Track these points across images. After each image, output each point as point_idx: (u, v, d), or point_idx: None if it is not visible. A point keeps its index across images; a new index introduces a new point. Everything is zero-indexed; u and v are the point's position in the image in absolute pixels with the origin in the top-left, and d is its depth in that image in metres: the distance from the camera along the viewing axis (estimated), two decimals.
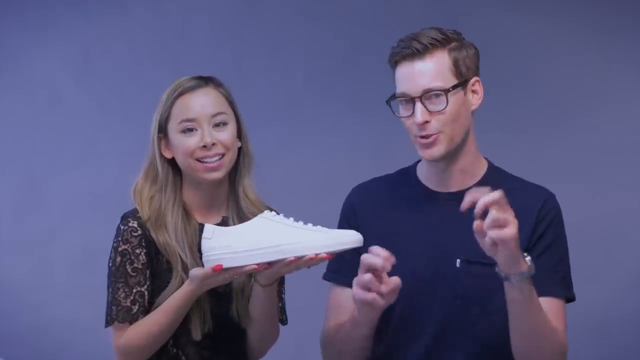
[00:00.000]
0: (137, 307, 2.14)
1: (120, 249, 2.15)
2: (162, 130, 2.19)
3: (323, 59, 4.06)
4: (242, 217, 2.19)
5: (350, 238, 2.01)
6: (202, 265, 2.12)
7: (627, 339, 3.82)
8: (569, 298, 2.15)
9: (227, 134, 2.17)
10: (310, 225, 2.03)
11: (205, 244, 2.03)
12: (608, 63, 3.90)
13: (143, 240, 2.15)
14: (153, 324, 2.12)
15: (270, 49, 4.08)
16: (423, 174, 2.20)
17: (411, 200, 2.18)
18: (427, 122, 2.07)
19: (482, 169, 2.18)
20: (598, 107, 3.91)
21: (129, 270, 2.14)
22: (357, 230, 2.12)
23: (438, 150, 2.10)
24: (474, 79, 2.12)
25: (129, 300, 2.13)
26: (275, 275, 2.08)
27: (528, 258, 1.96)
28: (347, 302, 2.19)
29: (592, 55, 3.91)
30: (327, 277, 2.24)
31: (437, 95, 2.07)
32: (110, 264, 2.16)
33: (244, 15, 4.10)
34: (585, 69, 3.90)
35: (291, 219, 2.04)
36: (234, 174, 2.23)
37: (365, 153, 3.96)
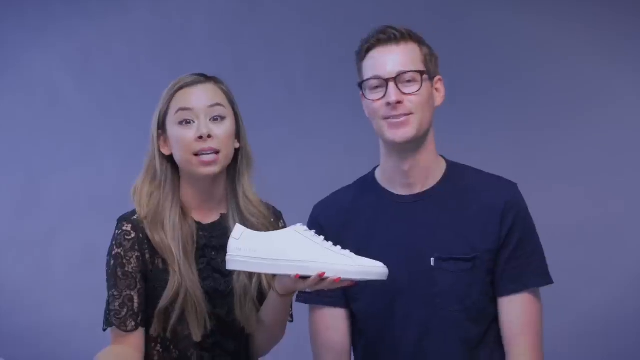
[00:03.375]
0: (125, 310, 2.14)
1: (113, 252, 2.16)
2: (161, 126, 2.18)
3: (323, 59, 4.06)
4: (242, 217, 2.19)
5: (377, 270, 2.00)
6: (195, 266, 2.15)
7: (627, 339, 3.82)
8: (548, 283, 2.19)
9: (223, 129, 2.15)
10: (338, 247, 2.03)
11: (232, 244, 2.04)
12: (608, 63, 3.90)
13: (136, 243, 2.15)
14: None
15: (270, 49, 4.08)
16: (384, 179, 2.22)
17: (377, 207, 2.21)
18: (399, 102, 2.11)
19: (442, 167, 2.21)
20: (598, 108, 3.91)
21: (119, 273, 2.14)
22: None
23: (408, 131, 2.13)
24: (437, 77, 2.19)
25: (117, 304, 2.14)
26: (294, 288, 2.08)
27: None
28: (336, 322, 2.23)
29: (592, 55, 3.91)
30: (304, 299, 2.24)
31: (412, 78, 2.12)
32: (106, 268, 2.17)
33: (244, 15, 4.10)
34: (586, 69, 3.90)
35: (321, 237, 2.04)
36: (232, 173, 2.22)
37: (365, 153, 3.93)
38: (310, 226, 2.22)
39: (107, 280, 2.17)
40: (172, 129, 2.16)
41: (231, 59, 4.04)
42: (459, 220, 2.15)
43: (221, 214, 2.22)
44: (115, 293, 2.14)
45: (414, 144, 2.15)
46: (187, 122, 2.15)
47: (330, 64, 4.05)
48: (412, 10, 3.97)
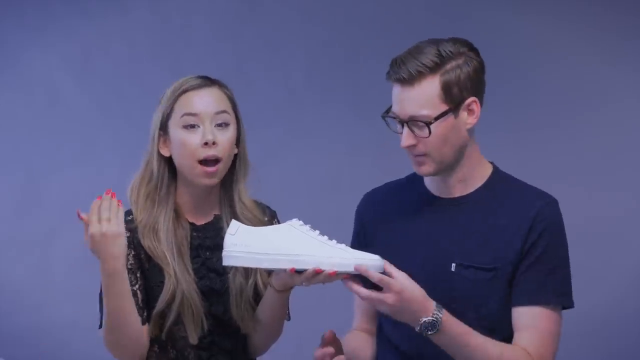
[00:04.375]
0: None
1: None
2: (163, 127, 2.18)
3: (323, 59, 4.06)
4: (236, 218, 2.19)
5: (372, 263, 1.99)
6: (190, 267, 2.16)
7: (627, 339, 3.82)
8: (566, 306, 2.13)
9: (227, 136, 2.16)
10: (334, 241, 2.02)
11: (227, 239, 2.04)
12: (609, 63, 3.90)
13: (132, 243, 2.16)
14: (104, 318, 2.12)
15: (270, 49, 4.08)
16: (428, 180, 2.21)
17: (416, 207, 2.20)
18: (413, 145, 2.09)
19: (485, 174, 2.18)
20: (599, 108, 3.92)
21: None
22: (365, 240, 2.16)
23: (427, 168, 2.12)
24: (470, 99, 2.10)
25: None
26: (290, 283, 2.08)
27: (433, 304, 2.01)
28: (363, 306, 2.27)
29: (593, 55, 3.91)
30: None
31: (423, 124, 2.07)
32: None
33: (244, 15, 4.10)
34: (587, 70, 3.90)
35: (317, 231, 2.04)
36: (229, 178, 2.22)
37: (365, 153, 3.96)
38: (355, 216, 2.28)
39: None
40: (176, 132, 2.16)
41: (231, 59, 4.04)
42: (488, 229, 2.12)
43: (214, 214, 2.24)
44: None
45: (444, 170, 2.14)
46: (192, 126, 2.15)
47: (330, 64, 4.05)
48: (412, 10, 3.98)
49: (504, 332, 2.12)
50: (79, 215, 2.06)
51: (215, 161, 2.14)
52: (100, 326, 2.17)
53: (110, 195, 2.05)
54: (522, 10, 3.94)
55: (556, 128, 3.91)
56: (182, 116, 2.15)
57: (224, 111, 2.17)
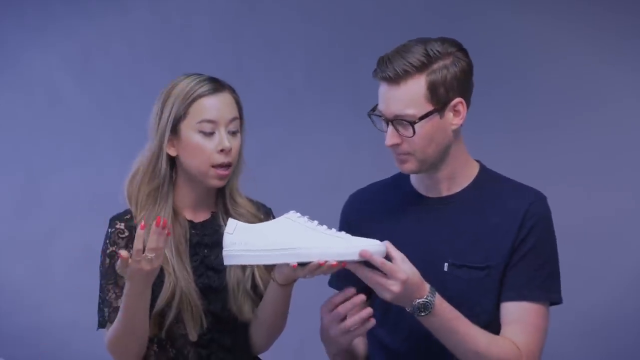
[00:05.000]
0: None
1: (108, 251, 2.17)
2: (174, 128, 2.18)
3: (323, 59, 4.06)
4: (229, 216, 2.20)
5: (375, 249, 1.97)
6: (189, 265, 2.16)
7: (627, 339, 3.82)
8: (554, 302, 2.14)
9: (238, 142, 2.19)
10: (333, 230, 2.01)
11: (226, 238, 2.03)
12: (609, 63, 3.90)
13: (130, 242, 2.15)
14: (115, 325, 2.12)
15: (270, 49, 4.08)
16: (414, 178, 2.21)
17: (403, 206, 2.20)
18: (397, 144, 2.09)
19: (472, 172, 2.19)
20: (598, 108, 3.91)
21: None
22: None
23: (410, 166, 2.12)
24: (456, 100, 2.09)
25: (119, 301, 2.13)
26: (294, 276, 2.08)
27: (427, 286, 2.00)
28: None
29: (592, 55, 3.91)
30: (332, 284, 2.26)
31: (407, 124, 2.07)
32: (100, 267, 2.18)
33: (244, 15, 4.10)
34: (585, 70, 3.90)
35: (315, 222, 2.02)
36: None
37: (365, 153, 3.96)
38: (341, 216, 2.28)
39: (102, 279, 2.17)
40: (191, 135, 2.17)
41: (231, 59, 4.04)
42: (479, 228, 2.12)
43: (212, 212, 2.25)
44: (117, 291, 2.15)
45: (428, 168, 2.13)
46: (209, 132, 2.16)
47: (330, 64, 4.05)
48: (412, 10, 3.98)
49: (498, 329, 2.12)
50: (120, 255, 2.01)
51: (228, 165, 2.17)
52: (99, 327, 2.18)
53: (161, 226, 2.00)
54: (521, 10, 3.94)
55: (555, 128, 3.91)
56: (200, 122, 2.16)
57: (235, 118, 2.19)
